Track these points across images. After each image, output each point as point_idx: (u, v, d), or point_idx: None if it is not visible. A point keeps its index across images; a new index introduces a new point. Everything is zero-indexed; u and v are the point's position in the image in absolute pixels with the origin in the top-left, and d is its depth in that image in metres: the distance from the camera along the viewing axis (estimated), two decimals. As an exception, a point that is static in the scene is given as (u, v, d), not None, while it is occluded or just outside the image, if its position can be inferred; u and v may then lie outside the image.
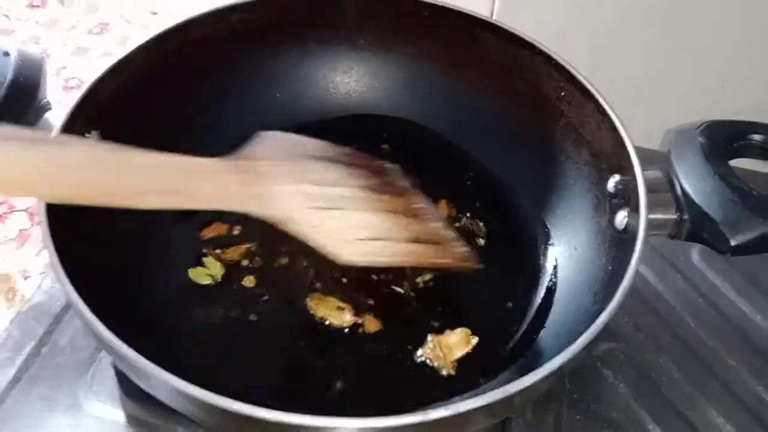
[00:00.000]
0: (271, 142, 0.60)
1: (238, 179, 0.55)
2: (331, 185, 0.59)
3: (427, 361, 0.69)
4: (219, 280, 0.75)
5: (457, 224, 0.82)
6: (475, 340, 0.71)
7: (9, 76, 0.66)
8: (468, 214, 0.83)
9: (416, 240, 0.64)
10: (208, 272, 0.76)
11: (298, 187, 0.57)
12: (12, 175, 0.45)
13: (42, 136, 0.56)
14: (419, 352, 0.70)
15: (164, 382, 0.51)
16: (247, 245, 0.78)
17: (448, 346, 0.70)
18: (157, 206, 0.53)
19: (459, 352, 0.70)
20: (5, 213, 1.39)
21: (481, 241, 0.81)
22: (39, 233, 1.38)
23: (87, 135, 0.69)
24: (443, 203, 0.83)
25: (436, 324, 0.72)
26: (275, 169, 0.57)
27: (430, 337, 0.71)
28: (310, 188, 0.58)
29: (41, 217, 0.60)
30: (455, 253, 0.70)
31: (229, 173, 0.55)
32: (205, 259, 0.77)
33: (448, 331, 0.71)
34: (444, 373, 0.69)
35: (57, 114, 0.69)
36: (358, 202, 0.60)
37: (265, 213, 0.56)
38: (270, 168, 0.57)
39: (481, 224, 0.82)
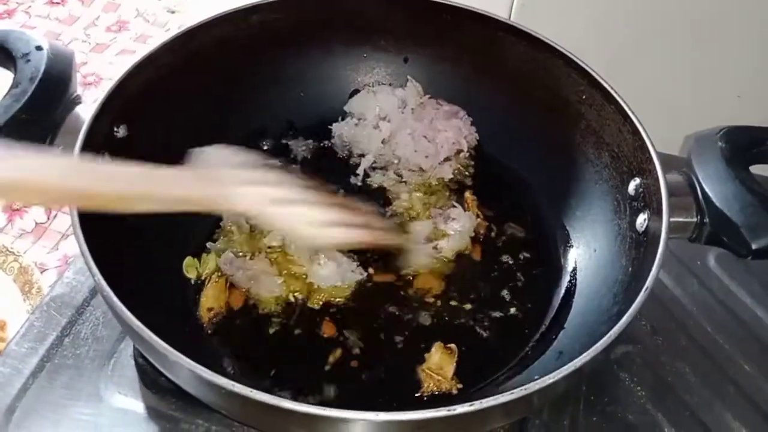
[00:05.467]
0: (212, 155, 0.65)
1: (203, 185, 0.60)
2: (280, 186, 0.64)
3: (435, 392, 0.68)
4: (203, 278, 0.76)
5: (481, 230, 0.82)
6: (453, 347, 0.71)
7: (42, 69, 0.67)
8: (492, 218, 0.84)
9: (363, 226, 0.69)
10: (197, 266, 0.77)
11: (254, 188, 0.62)
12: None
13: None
14: (419, 393, 0.68)
15: (188, 371, 0.52)
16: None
17: (438, 366, 0.69)
18: (136, 210, 0.56)
19: (450, 367, 0.69)
20: (23, 207, 1.40)
21: (501, 243, 0.82)
22: (56, 227, 1.39)
23: (115, 129, 0.70)
24: (467, 195, 0.85)
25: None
26: (229, 175, 0.62)
27: (418, 370, 0.70)
28: (264, 189, 0.63)
29: (72, 208, 0.61)
30: (392, 235, 0.76)
31: (195, 180, 0.61)
32: (204, 254, 0.78)
33: (426, 355, 0.70)
34: (454, 391, 0.68)
35: (86, 108, 0.69)
36: (309, 197, 0.65)
37: (234, 210, 0.63)
38: (224, 174, 0.62)
39: (503, 226, 0.83)
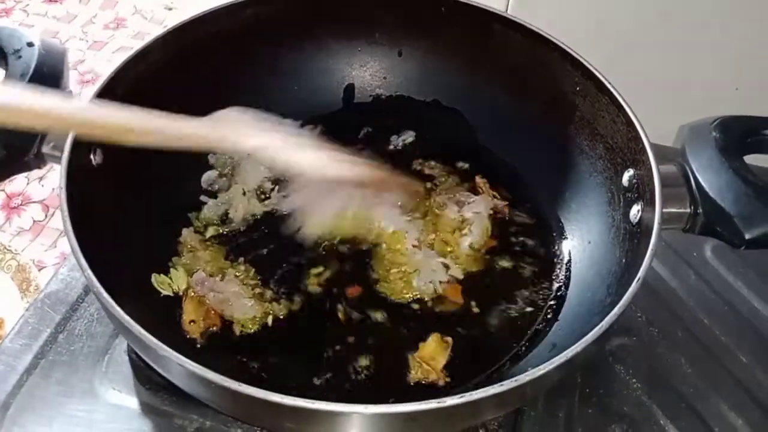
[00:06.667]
0: (231, 115, 0.66)
1: (214, 125, 0.64)
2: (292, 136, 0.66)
3: (421, 381, 0.69)
4: (180, 293, 0.74)
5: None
6: (449, 339, 0.71)
7: (33, 65, 0.66)
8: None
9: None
10: (169, 283, 0.74)
11: (264, 135, 0.65)
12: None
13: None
14: (408, 377, 0.69)
15: (177, 365, 0.52)
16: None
17: (431, 357, 0.69)
18: (142, 142, 0.59)
19: (442, 359, 0.69)
20: (21, 205, 1.41)
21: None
22: (53, 224, 1.39)
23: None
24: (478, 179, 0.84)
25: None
26: (243, 123, 0.65)
27: (409, 357, 0.70)
28: (275, 136, 0.65)
29: (62, 204, 0.61)
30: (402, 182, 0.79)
31: (206, 122, 0.64)
32: (173, 270, 0.75)
33: (421, 344, 0.71)
34: (441, 383, 0.68)
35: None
36: (315, 143, 0.68)
37: (242, 147, 0.65)
38: (237, 123, 0.65)
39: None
